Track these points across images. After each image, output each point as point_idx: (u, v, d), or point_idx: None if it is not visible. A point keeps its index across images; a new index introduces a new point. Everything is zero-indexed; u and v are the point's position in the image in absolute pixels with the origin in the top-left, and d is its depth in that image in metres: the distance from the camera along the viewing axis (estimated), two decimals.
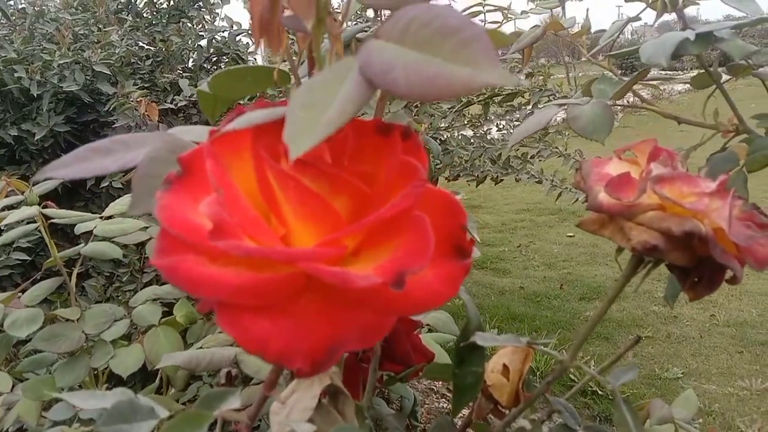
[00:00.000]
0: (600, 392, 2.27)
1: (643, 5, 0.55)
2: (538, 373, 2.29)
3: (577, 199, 2.21)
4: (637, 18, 0.57)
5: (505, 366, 0.48)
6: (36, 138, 1.59)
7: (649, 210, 0.35)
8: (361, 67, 0.20)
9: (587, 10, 0.63)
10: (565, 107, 0.51)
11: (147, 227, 1.00)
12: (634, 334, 2.74)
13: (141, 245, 1.51)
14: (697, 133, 0.58)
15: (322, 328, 0.23)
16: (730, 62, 0.53)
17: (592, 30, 0.68)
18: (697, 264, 0.37)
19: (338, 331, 0.23)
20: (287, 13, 0.25)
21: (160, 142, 0.28)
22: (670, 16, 0.59)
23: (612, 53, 0.58)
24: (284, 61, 0.30)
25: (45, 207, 0.74)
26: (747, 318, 2.86)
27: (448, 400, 2.19)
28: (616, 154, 0.40)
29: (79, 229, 0.74)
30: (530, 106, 2.19)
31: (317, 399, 0.39)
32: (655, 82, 0.60)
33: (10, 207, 0.73)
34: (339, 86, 0.20)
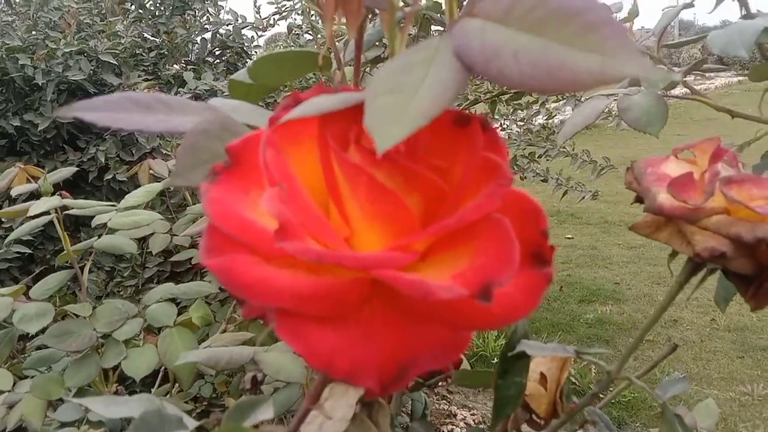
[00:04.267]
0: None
1: None
2: None
3: (584, 198, 2.18)
4: (690, 5, 0.54)
5: (542, 375, 0.46)
6: (39, 129, 1.56)
7: (714, 214, 0.33)
8: (458, 51, 0.17)
9: None
10: (615, 97, 0.48)
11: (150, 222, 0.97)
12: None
13: (143, 239, 1.49)
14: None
15: (392, 344, 0.21)
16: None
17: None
18: (759, 271, 0.34)
19: (410, 347, 0.21)
20: None
21: (210, 114, 0.26)
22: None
23: (668, 44, 0.55)
24: (321, 45, 0.27)
25: (61, 197, 0.71)
26: (747, 323, 2.85)
27: (449, 402, 2.17)
28: (674, 153, 0.38)
29: (95, 221, 0.71)
30: (538, 105, 2.16)
31: (353, 408, 0.37)
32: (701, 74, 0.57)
33: (32, 195, 0.71)
34: (427, 70, 0.17)
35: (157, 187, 0.81)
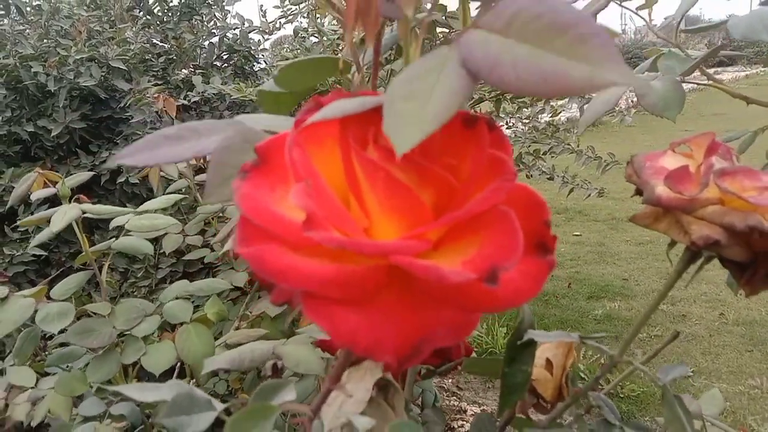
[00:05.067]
0: (611, 390, 2.27)
1: None
2: None
3: (590, 195, 2.20)
4: None
5: (548, 360, 0.48)
6: (52, 134, 1.60)
7: (709, 204, 0.35)
8: (464, 60, 0.19)
9: None
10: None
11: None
12: (643, 333, 2.74)
13: (156, 241, 1.52)
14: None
15: (408, 324, 0.23)
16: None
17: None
18: (754, 259, 0.36)
19: (424, 326, 0.23)
20: None
21: (231, 130, 0.28)
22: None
23: (687, 29, 0.55)
24: (327, 46, 0.30)
25: (77, 200, 0.74)
26: (756, 317, 2.85)
27: (459, 398, 2.19)
28: (671, 148, 0.40)
29: (113, 223, 0.74)
30: (542, 103, 2.18)
31: (370, 392, 0.39)
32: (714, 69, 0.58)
33: (45, 199, 0.73)
34: (438, 77, 0.20)
35: (176, 197, 0.83)
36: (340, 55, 0.35)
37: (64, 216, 0.72)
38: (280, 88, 0.34)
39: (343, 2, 0.24)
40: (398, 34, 0.25)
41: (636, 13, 0.60)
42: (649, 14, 0.61)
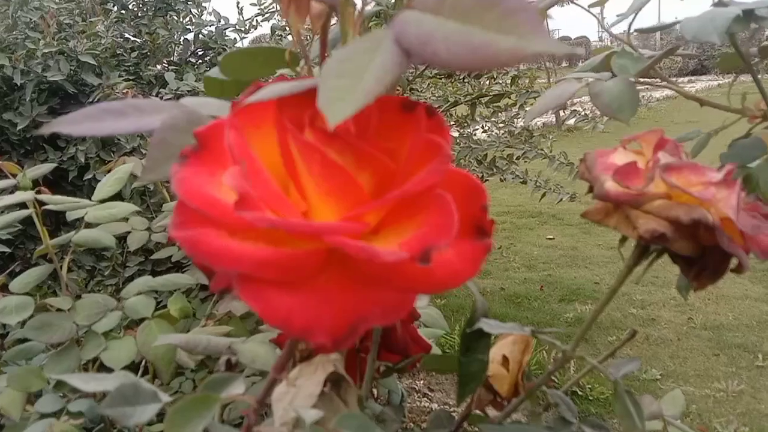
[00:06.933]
0: (579, 392, 2.29)
1: None
2: None
3: (561, 200, 2.22)
4: None
5: (504, 357, 0.48)
6: (18, 128, 1.57)
7: (657, 198, 0.36)
8: (398, 38, 0.20)
9: None
10: (586, 81, 0.48)
11: (127, 219, 0.98)
12: (612, 336, 2.78)
13: (123, 239, 1.50)
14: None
15: (344, 305, 0.23)
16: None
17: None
18: (701, 253, 0.37)
19: (360, 307, 0.23)
20: None
21: (177, 111, 0.28)
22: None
23: (638, 29, 0.55)
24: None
25: (38, 193, 0.72)
26: (723, 321, 2.91)
27: (430, 399, 2.19)
28: (622, 144, 0.41)
29: (71, 216, 0.72)
30: (516, 108, 2.20)
31: (321, 386, 0.39)
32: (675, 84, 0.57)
33: (2, 191, 0.72)
34: (372, 56, 0.20)
35: (126, 169, 0.81)
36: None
37: (18, 196, 0.70)
38: (225, 76, 0.34)
39: None
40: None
41: (588, 11, 0.61)
42: (601, 11, 0.61)
